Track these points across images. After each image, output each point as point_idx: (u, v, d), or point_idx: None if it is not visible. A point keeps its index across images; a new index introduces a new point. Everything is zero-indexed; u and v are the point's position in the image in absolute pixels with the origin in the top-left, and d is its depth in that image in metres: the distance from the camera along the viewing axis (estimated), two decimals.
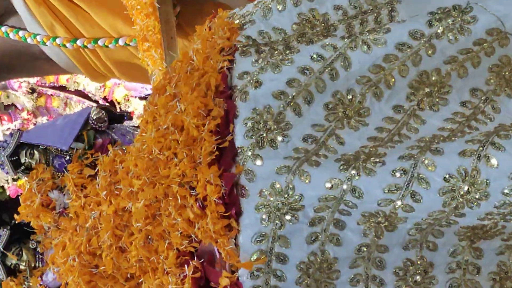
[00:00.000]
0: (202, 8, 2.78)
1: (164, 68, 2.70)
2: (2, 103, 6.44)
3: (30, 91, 6.29)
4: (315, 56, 1.73)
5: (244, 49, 1.80)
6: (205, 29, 1.90)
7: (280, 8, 1.86)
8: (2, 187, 6.66)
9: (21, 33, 2.81)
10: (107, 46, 2.80)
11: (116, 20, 2.71)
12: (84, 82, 5.98)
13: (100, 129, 2.02)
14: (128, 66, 2.91)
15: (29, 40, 2.80)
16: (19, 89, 6.20)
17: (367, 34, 1.76)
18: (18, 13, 2.81)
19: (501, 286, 1.76)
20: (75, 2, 2.71)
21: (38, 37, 2.79)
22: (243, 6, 2.01)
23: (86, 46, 2.80)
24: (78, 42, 2.76)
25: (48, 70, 3.21)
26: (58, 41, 2.76)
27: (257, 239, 1.66)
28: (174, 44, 2.65)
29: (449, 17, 1.73)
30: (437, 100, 1.75)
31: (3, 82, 6.35)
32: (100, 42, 2.75)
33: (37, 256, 2.07)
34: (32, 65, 3.03)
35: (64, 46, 2.80)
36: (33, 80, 6.05)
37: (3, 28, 2.84)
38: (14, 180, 5.78)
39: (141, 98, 6.32)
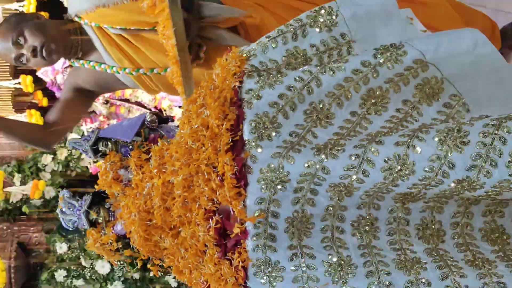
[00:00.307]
0: (219, 48, 2.61)
1: (183, 97, 2.63)
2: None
3: (105, 102, 6.12)
4: (297, 78, 1.64)
5: (249, 73, 1.75)
6: (223, 60, 1.86)
7: (273, 46, 1.80)
8: (86, 167, 6.55)
9: (102, 66, 2.74)
10: (159, 73, 2.70)
11: (161, 55, 2.60)
12: (142, 96, 5.83)
13: (152, 127, 1.95)
14: (170, 85, 2.77)
15: (108, 71, 2.75)
16: (97, 101, 6.04)
17: (332, 63, 1.67)
18: (98, 51, 2.73)
19: (423, 234, 1.68)
20: (133, 43, 2.65)
21: (114, 68, 2.70)
22: (248, 45, 1.94)
23: (145, 74, 2.71)
24: (140, 71, 2.66)
25: (120, 87, 3.08)
26: (127, 70, 2.69)
27: (258, 201, 1.62)
28: (191, 81, 2.55)
29: (388, 51, 1.64)
30: (380, 107, 1.66)
31: None
32: (154, 71, 2.67)
33: (110, 213, 1.97)
34: (112, 85, 2.93)
35: (131, 73, 2.71)
36: (107, 94, 5.89)
37: (91, 63, 2.73)
38: (94, 162, 5.63)
39: (180, 107, 6.18)
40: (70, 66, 6.35)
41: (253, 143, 1.63)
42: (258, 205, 1.62)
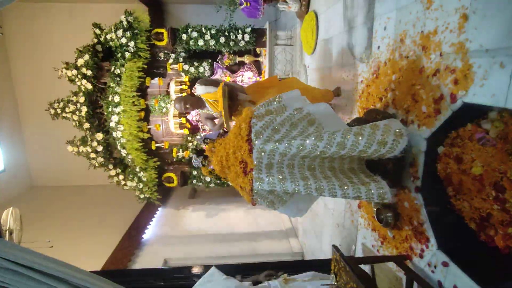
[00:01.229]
0: (238, 103, 5.67)
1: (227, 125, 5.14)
2: (202, 127, 10.95)
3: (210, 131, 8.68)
4: (276, 119, 3.46)
5: (256, 119, 3.49)
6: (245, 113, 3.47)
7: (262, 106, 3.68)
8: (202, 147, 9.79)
9: (210, 110, 5.78)
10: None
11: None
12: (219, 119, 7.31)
13: (221, 135, 4.07)
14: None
15: (211, 112, 5.81)
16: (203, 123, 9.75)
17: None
18: (206, 107, 5.82)
19: (328, 171, 3.50)
20: (216, 104, 5.67)
21: (214, 113, 5.55)
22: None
23: (220, 112, 5.74)
24: (219, 113, 5.66)
25: (213, 117, 5.89)
26: (216, 114, 5.80)
27: (257, 157, 3.46)
28: (228, 120, 5.28)
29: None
30: (293, 128, 3.52)
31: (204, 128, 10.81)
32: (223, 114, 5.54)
33: (207, 162, 4.26)
34: (212, 117, 5.75)
35: (216, 113, 5.80)
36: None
37: (209, 109, 5.90)
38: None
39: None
40: (198, 114, 11.40)
41: (255, 140, 3.48)
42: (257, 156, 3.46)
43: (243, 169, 3.62)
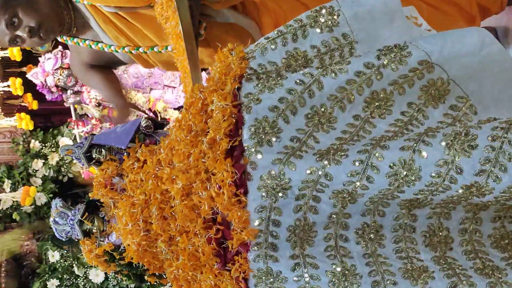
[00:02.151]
0: (219, 24, 2.84)
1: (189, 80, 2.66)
2: (78, 113, 6.27)
3: (97, 104, 6.10)
4: (298, 81, 1.66)
5: (248, 76, 1.76)
6: (225, 56, 1.90)
7: (273, 48, 1.81)
8: (79, 172, 6.57)
9: (99, 44, 2.79)
10: (159, 51, 2.75)
11: (160, 32, 2.64)
12: (135, 97, 5.84)
13: (148, 133, 1.95)
14: (168, 62, 2.83)
15: (106, 49, 2.79)
16: (89, 103, 6.03)
17: (334, 65, 1.68)
18: (94, 29, 2.76)
19: (430, 241, 1.70)
20: (129, 21, 2.69)
21: (112, 47, 2.78)
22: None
23: (145, 52, 2.75)
24: (140, 49, 2.76)
25: (119, 63, 3.14)
26: (126, 49, 2.77)
27: (259, 210, 1.62)
28: (198, 69, 2.53)
29: (391, 52, 1.65)
30: (384, 110, 1.68)
31: (78, 98, 6.17)
32: (155, 49, 2.74)
33: (104, 223, 1.99)
34: (113, 60, 3.05)
35: (131, 52, 2.75)
36: (99, 97, 5.88)
37: (87, 42, 2.76)
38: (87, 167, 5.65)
39: (175, 108, 6.18)
40: (61, 67, 6.44)
41: (253, 149, 1.63)
42: (258, 213, 1.62)
43: (215, 245, 1.72)
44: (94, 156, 1.96)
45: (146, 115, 2.23)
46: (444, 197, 1.58)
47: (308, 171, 1.58)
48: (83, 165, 2.02)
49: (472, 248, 1.70)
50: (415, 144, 1.52)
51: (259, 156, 1.62)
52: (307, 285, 1.63)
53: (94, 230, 1.98)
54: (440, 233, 1.71)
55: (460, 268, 1.64)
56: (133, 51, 2.78)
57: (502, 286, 1.58)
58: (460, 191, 1.52)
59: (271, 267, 1.64)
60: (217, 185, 1.65)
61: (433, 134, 1.54)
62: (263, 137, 1.65)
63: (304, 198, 1.62)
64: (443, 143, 1.50)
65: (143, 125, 1.97)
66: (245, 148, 1.64)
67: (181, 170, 1.72)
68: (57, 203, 2.00)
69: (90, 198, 1.99)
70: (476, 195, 1.54)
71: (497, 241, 1.72)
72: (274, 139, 1.65)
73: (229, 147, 1.65)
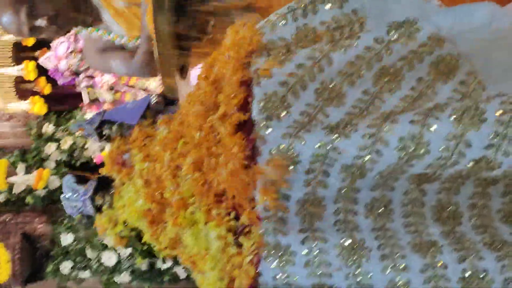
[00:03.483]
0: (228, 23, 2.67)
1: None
2: (91, 97, 6.27)
3: (110, 88, 6.09)
4: (307, 56, 1.66)
5: (258, 52, 1.75)
6: (235, 34, 1.85)
7: (283, 23, 1.80)
8: (91, 157, 6.56)
9: (111, 35, 2.78)
10: None
11: None
12: (148, 83, 5.84)
13: (158, 109, 1.97)
14: None
15: (117, 41, 2.78)
16: (101, 88, 6.02)
17: (344, 40, 1.68)
18: (107, 22, 2.76)
19: (439, 216, 1.70)
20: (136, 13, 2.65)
21: (124, 39, 2.77)
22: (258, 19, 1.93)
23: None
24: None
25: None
26: (139, 41, 2.73)
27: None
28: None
29: (401, 27, 1.65)
30: (393, 86, 1.67)
31: (90, 82, 6.15)
32: None
33: (110, 195, 2.02)
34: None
35: None
36: (112, 80, 5.85)
37: (100, 31, 2.78)
38: (100, 150, 5.62)
39: None
40: (73, 51, 6.43)
41: (262, 123, 1.63)
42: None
43: (225, 219, 1.70)
44: (105, 132, 1.98)
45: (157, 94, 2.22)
46: (453, 172, 1.58)
47: (318, 145, 1.58)
48: (95, 140, 2.04)
49: (481, 222, 1.70)
50: (424, 118, 1.53)
51: (269, 130, 1.62)
52: (316, 258, 1.63)
53: (104, 207, 1.99)
54: (449, 208, 1.71)
55: (469, 242, 1.63)
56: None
57: (510, 259, 1.58)
58: (469, 165, 1.53)
59: (280, 240, 1.64)
60: (228, 157, 1.65)
61: (442, 108, 1.55)
62: (273, 111, 1.65)
63: (314, 172, 1.63)
64: (452, 117, 1.51)
65: (154, 102, 1.99)
66: (255, 122, 1.64)
67: (192, 145, 1.73)
68: (69, 179, 2.02)
69: (102, 175, 2.01)
70: (485, 169, 1.54)
71: (506, 216, 1.72)
72: (283, 113, 1.65)
73: (239, 121, 1.65)
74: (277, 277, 1.67)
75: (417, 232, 1.67)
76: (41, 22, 2.59)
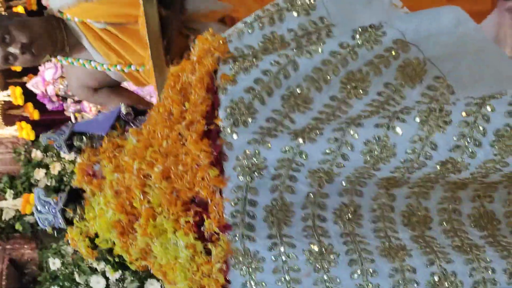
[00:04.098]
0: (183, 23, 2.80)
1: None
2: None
3: (99, 112, 6.11)
4: (273, 62, 1.65)
5: (224, 59, 1.76)
6: (203, 42, 1.87)
7: (250, 31, 1.81)
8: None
9: (92, 63, 2.77)
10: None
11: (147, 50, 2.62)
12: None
13: (128, 120, 1.96)
14: None
15: (98, 68, 2.78)
16: (89, 112, 6.02)
17: (309, 46, 1.68)
18: (86, 49, 2.75)
19: (409, 221, 1.69)
20: (120, 37, 2.67)
21: (104, 66, 2.77)
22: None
23: (137, 70, 2.73)
24: (132, 68, 2.74)
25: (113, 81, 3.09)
26: (118, 67, 2.75)
27: (235, 190, 1.61)
28: (164, 74, 2.50)
29: (366, 32, 1.64)
30: (360, 91, 1.66)
31: (78, 107, 6.14)
32: (147, 67, 2.64)
33: (79, 208, 2.00)
34: (106, 79, 2.98)
35: (122, 70, 2.75)
36: (99, 106, 5.83)
37: (80, 61, 2.77)
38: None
39: None
40: (61, 77, 6.44)
41: (229, 130, 1.63)
42: (234, 194, 1.62)
43: (194, 227, 1.70)
44: (75, 144, 1.97)
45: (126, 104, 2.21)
46: (421, 175, 1.57)
47: (283, 150, 1.58)
48: (64, 152, 2.02)
49: (451, 227, 1.69)
50: (389, 121, 1.52)
51: (235, 136, 1.62)
52: (284, 264, 1.62)
53: (76, 219, 1.98)
54: (419, 213, 1.70)
55: (438, 246, 1.62)
56: (125, 69, 2.79)
57: (479, 262, 1.57)
58: (436, 167, 1.52)
59: (248, 247, 1.63)
60: (195, 166, 1.65)
61: (408, 111, 1.54)
62: (239, 118, 1.65)
63: (280, 177, 1.62)
64: (418, 119, 1.50)
65: (124, 112, 1.98)
66: (221, 129, 1.64)
67: (160, 154, 1.74)
68: (39, 191, 2.01)
69: (73, 187, 2.00)
70: (452, 172, 1.54)
71: (476, 220, 1.71)
72: (249, 119, 1.65)
73: (206, 128, 1.65)
74: (246, 284, 1.65)
75: (386, 237, 1.66)
76: (14, 49, 2.60)
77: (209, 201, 1.65)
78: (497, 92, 1.53)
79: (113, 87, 3.13)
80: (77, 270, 5.60)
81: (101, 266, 5.46)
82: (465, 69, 1.73)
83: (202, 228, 1.66)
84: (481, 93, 1.57)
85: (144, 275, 5.32)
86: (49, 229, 2.02)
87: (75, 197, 1.99)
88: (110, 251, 1.95)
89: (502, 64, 1.78)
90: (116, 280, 5.34)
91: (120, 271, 5.32)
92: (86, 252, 1.97)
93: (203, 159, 1.62)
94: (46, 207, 1.99)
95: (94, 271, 5.46)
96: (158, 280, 5.43)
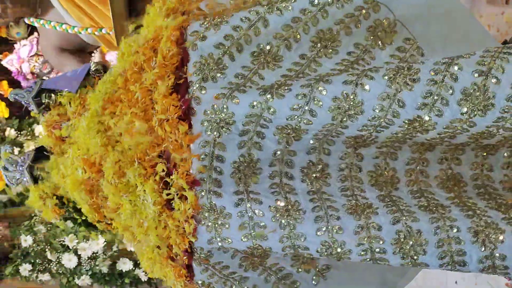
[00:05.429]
0: None
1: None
2: None
3: None
4: (243, 18, 1.65)
5: (195, 16, 1.75)
6: None
7: None
8: None
9: (64, 26, 2.75)
10: None
11: None
12: None
13: (98, 77, 1.92)
14: None
15: (69, 31, 2.76)
16: None
17: (280, 3, 1.66)
18: (57, 11, 2.73)
19: (376, 181, 1.69)
20: (91, 1, 2.66)
21: (75, 29, 2.75)
22: None
23: (109, 33, 2.72)
24: (103, 31, 2.70)
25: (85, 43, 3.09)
26: (89, 30, 2.72)
27: (202, 145, 1.60)
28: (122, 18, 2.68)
29: None
30: (330, 50, 1.66)
31: None
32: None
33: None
34: (79, 41, 2.99)
35: (94, 34, 2.74)
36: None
37: (52, 23, 2.76)
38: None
39: None
40: (36, 54, 6.37)
41: (197, 85, 1.61)
42: (202, 149, 1.60)
43: (159, 185, 1.67)
44: (43, 101, 1.93)
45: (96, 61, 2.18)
46: (389, 134, 1.56)
47: (251, 105, 1.58)
48: (32, 110, 1.99)
49: (418, 188, 1.69)
50: (358, 78, 1.51)
51: (203, 91, 1.61)
52: (250, 220, 1.61)
53: (38, 176, 1.95)
54: (386, 173, 1.70)
55: (404, 205, 1.62)
56: (96, 32, 2.74)
57: (444, 221, 1.57)
58: (404, 126, 1.51)
59: (214, 202, 1.62)
60: (163, 120, 1.64)
61: (377, 69, 1.53)
62: (208, 73, 1.64)
63: (248, 133, 1.61)
64: (386, 77, 1.49)
65: (93, 69, 1.94)
66: (190, 83, 1.63)
67: (129, 107, 1.72)
68: (6, 148, 1.97)
69: (39, 145, 1.96)
70: (419, 131, 1.53)
71: (443, 182, 1.71)
72: (219, 75, 1.64)
73: (174, 83, 1.64)
74: (212, 240, 1.64)
75: (353, 196, 1.65)
76: None
77: (176, 156, 1.63)
78: (466, 53, 1.53)
79: (80, 51, 3.14)
80: (49, 247, 5.55)
81: (73, 243, 5.42)
82: (436, 31, 1.72)
83: (169, 184, 1.64)
84: (450, 55, 1.56)
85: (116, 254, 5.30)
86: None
87: (43, 156, 1.96)
88: (77, 210, 1.92)
89: (470, 26, 1.78)
90: (88, 258, 5.31)
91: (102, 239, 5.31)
92: (51, 211, 1.95)
93: (172, 113, 1.60)
94: (14, 165, 1.95)
95: (66, 248, 5.41)
96: (130, 259, 5.44)
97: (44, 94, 1.92)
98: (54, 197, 1.91)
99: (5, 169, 1.95)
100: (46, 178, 1.94)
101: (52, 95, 1.91)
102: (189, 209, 1.61)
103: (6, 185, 2.06)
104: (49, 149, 1.93)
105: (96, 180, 1.77)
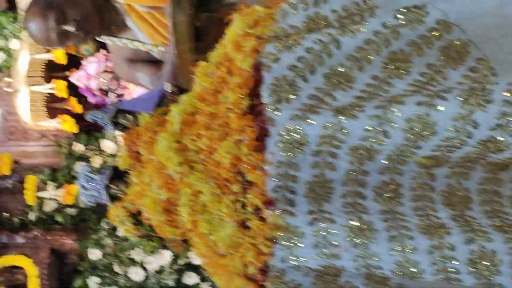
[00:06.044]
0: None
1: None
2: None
3: None
4: (316, 40, 1.67)
5: (268, 37, 1.78)
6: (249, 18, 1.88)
7: (294, 12, 1.82)
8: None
9: (135, 43, 2.83)
10: None
11: None
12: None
13: (173, 98, 1.96)
14: None
15: (142, 48, 2.82)
16: None
17: (353, 25, 1.69)
18: (131, 29, 2.81)
19: (449, 200, 1.68)
20: (162, 21, 2.72)
21: (147, 46, 2.81)
22: None
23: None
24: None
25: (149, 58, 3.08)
26: (159, 48, 2.78)
27: (277, 165, 1.63)
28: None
29: (409, 12, 1.64)
30: (402, 72, 1.67)
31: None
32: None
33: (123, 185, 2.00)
34: (148, 57, 3.01)
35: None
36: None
37: (123, 40, 2.83)
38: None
39: None
40: (105, 71, 6.48)
41: (272, 107, 1.65)
42: (276, 169, 1.63)
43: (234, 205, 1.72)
44: (120, 121, 1.99)
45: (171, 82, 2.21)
46: (462, 155, 1.57)
47: (325, 126, 1.60)
48: (109, 130, 2.04)
49: (491, 208, 1.68)
50: (431, 99, 1.52)
51: (277, 113, 1.64)
52: (324, 239, 1.63)
53: (119, 195, 2.00)
54: (459, 193, 1.69)
55: (478, 225, 1.61)
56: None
57: None
58: (477, 146, 1.52)
59: (288, 222, 1.64)
60: (239, 141, 1.69)
61: (450, 90, 1.54)
62: (282, 95, 1.67)
63: (321, 154, 1.63)
64: (459, 98, 1.50)
65: (169, 90, 1.99)
66: (264, 105, 1.67)
67: (205, 129, 1.78)
68: (84, 168, 2.03)
69: (120, 165, 2.02)
70: (493, 151, 1.53)
71: None
72: (292, 96, 1.66)
73: (249, 105, 1.68)
74: (286, 259, 1.67)
75: (426, 216, 1.65)
76: (69, 26, 2.64)
77: (252, 176, 1.67)
78: None
79: (151, 61, 3.11)
80: (116, 260, 5.66)
81: (140, 257, 5.50)
82: (508, 51, 1.71)
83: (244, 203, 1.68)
84: None
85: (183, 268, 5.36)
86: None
87: (120, 174, 2.01)
88: (153, 229, 1.97)
89: None
90: (155, 271, 5.39)
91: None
92: (129, 229, 1.99)
93: (248, 135, 1.65)
94: (91, 184, 2.00)
95: (133, 262, 5.50)
96: (196, 272, 5.48)
97: (121, 115, 1.97)
98: (130, 218, 1.96)
99: (83, 187, 2.01)
100: (122, 197, 1.99)
101: (129, 115, 1.97)
102: (266, 229, 1.65)
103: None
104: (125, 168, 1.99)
105: (171, 199, 1.82)
